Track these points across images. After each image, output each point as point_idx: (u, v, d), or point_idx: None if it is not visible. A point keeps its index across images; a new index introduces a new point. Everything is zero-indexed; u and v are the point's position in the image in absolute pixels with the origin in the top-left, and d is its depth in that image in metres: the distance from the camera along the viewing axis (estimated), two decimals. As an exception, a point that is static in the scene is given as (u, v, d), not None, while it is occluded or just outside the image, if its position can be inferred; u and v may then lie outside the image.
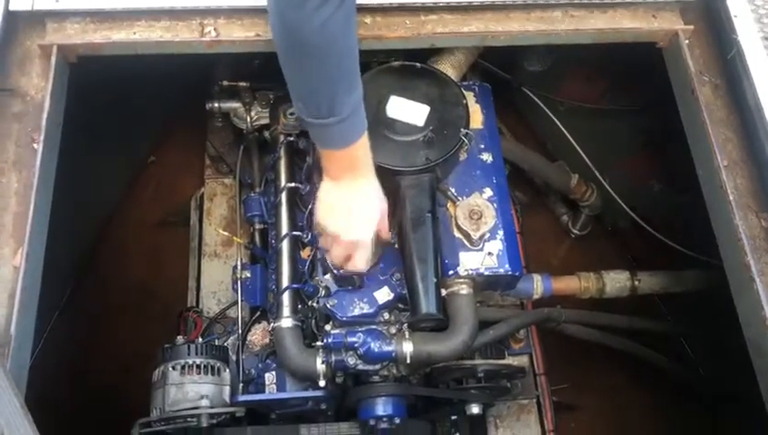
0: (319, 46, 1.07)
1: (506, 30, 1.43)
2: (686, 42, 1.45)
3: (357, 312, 1.47)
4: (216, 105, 1.92)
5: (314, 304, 1.51)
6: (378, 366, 1.47)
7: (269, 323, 1.65)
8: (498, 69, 1.97)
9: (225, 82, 1.85)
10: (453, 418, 1.92)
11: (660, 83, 1.52)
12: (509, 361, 1.68)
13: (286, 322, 1.52)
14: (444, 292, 1.43)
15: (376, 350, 1.43)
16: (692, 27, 1.46)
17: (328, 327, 1.48)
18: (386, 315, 1.49)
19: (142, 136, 2.51)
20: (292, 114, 1.73)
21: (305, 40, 1.07)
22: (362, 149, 1.25)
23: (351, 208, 1.30)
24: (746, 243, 1.27)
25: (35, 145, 1.28)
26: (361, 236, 1.34)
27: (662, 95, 1.53)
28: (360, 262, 1.38)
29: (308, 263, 1.59)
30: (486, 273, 1.45)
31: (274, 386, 1.58)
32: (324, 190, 1.32)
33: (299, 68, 1.12)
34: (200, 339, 1.66)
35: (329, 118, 1.14)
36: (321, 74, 1.11)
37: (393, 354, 1.43)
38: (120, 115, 2.10)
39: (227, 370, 1.56)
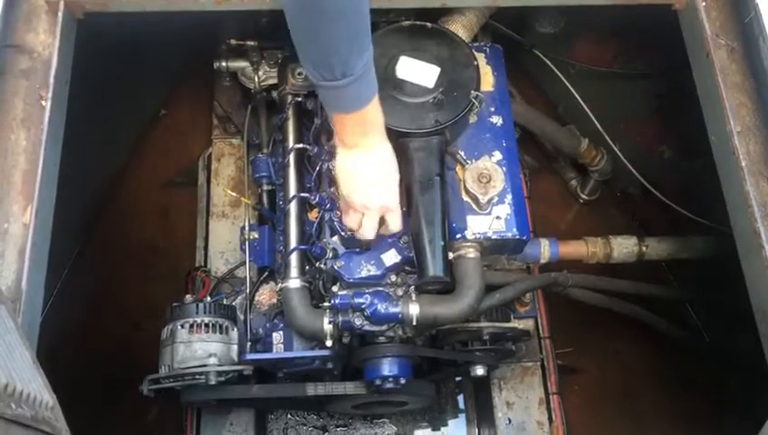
0: (333, 6, 1.05)
1: (519, -10, 1.41)
2: (703, 4, 1.41)
3: (364, 273, 1.48)
4: (224, 64, 1.90)
5: (322, 266, 1.52)
6: (384, 327, 1.49)
7: (276, 284, 1.66)
8: (509, 30, 1.94)
9: (233, 41, 1.83)
10: (457, 379, 1.95)
11: (674, 47, 1.50)
12: (514, 324, 1.69)
13: (294, 282, 1.53)
14: (451, 255, 1.43)
15: (382, 311, 1.44)
16: (709, -11, 1.43)
17: (335, 288, 1.49)
18: (393, 277, 1.49)
19: (149, 95, 2.50)
20: (300, 74, 1.71)
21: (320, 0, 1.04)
22: (374, 111, 1.24)
23: (373, 175, 1.30)
24: (757, 209, 1.26)
25: (43, 102, 1.27)
26: (388, 200, 1.34)
27: (676, 59, 1.51)
28: (395, 224, 1.38)
29: (315, 224, 1.59)
30: (494, 237, 1.45)
31: (282, 345, 1.59)
32: (341, 162, 1.31)
33: (311, 30, 1.10)
34: (208, 298, 1.67)
35: (342, 79, 1.13)
36: (334, 35, 1.09)
37: (399, 316, 1.43)
38: (126, 73, 2.08)
39: (235, 329, 1.57)
